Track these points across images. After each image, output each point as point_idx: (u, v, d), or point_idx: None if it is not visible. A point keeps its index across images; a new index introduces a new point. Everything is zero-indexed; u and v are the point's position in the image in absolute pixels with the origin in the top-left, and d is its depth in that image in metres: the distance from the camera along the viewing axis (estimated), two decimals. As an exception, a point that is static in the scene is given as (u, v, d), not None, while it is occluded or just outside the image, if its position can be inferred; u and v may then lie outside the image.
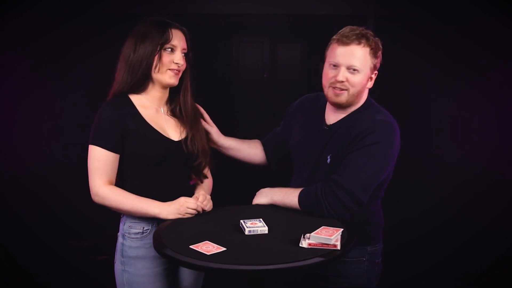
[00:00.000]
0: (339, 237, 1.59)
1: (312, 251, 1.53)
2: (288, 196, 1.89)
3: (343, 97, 1.90)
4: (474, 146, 3.88)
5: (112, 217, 2.03)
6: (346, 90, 1.88)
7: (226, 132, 2.17)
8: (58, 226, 3.86)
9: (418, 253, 3.61)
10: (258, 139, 2.27)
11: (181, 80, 1.94)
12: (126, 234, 1.89)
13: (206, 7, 4.17)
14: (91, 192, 1.84)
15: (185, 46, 1.91)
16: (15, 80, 3.89)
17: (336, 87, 1.89)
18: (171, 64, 1.87)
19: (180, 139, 1.92)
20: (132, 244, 1.88)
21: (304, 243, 1.56)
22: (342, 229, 1.64)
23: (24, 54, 3.88)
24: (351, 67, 1.86)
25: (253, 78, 7.58)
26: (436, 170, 4.02)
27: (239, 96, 7.53)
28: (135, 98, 1.90)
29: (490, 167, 3.79)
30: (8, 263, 3.50)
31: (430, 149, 4.08)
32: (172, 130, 1.93)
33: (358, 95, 1.91)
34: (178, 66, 1.88)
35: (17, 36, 3.83)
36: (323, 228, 1.65)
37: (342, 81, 1.87)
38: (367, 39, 1.87)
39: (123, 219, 1.92)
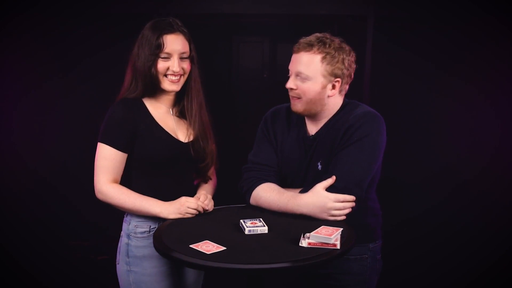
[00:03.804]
0: (339, 236, 1.59)
1: (312, 251, 1.53)
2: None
3: (299, 105, 1.87)
4: (474, 146, 3.88)
5: (113, 217, 2.03)
6: (299, 98, 1.86)
7: (225, 132, 2.16)
8: (58, 226, 3.86)
9: (418, 254, 3.61)
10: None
11: (186, 82, 1.93)
12: (132, 234, 1.89)
13: (206, 7, 4.18)
14: (95, 189, 1.85)
15: (184, 49, 1.88)
16: (15, 79, 3.90)
17: (291, 96, 1.87)
18: (166, 71, 1.86)
19: (188, 141, 1.93)
20: (138, 243, 1.88)
21: (304, 243, 1.56)
22: (341, 229, 1.64)
23: (24, 54, 3.89)
24: (299, 74, 1.83)
25: (253, 78, 7.57)
26: (436, 170, 4.02)
27: (239, 96, 7.52)
28: (146, 100, 1.91)
29: (490, 167, 3.79)
30: (9, 263, 3.49)
31: (430, 149, 4.08)
32: (181, 132, 1.94)
33: (317, 103, 1.86)
34: (175, 73, 1.87)
35: (17, 36, 3.84)
36: (323, 227, 1.65)
37: (292, 88, 1.86)
38: (321, 46, 1.81)
39: (127, 219, 1.92)
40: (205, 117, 2.00)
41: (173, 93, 1.93)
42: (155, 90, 1.90)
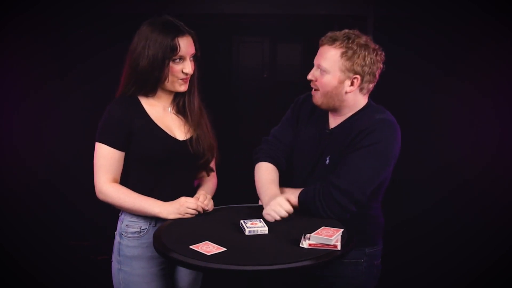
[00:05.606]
0: (339, 237, 1.59)
1: (312, 252, 1.53)
2: (289, 197, 1.88)
3: (317, 98, 1.90)
4: (474, 146, 3.88)
5: (113, 217, 2.03)
6: (318, 90, 1.89)
7: (225, 132, 2.16)
8: (58, 226, 3.86)
9: (418, 254, 3.61)
10: (258, 139, 2.23)
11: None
12: (124, 233, 1.89)
13: (206, 7, 4.18)
14: (95, 189, 1.85)
15: (193, 50, 1.88)
16: (15, 80, 3.90)
17: (312, 87, 1.91)
18: (180, 73, 1.85)
19: (185, 138, 1.92)
20: (129, 243, 1.88)
21: (304, 244, 1.56)
22: (342, 230, 1.64)
23: (24, 54, 3.88)
24: (319, 66, 1.86)
25: (253, 78, 7.58)
26: (436, 170, 4.02)
27: (239, 96, 7.53)
28: (143, 98, 1.91)
29: (490, 167, 3.79)
30: (9, 263, 3.49)
31: (431, 149, 4.08)
32: (178, 130, 1.93)
33: (334, 97, 1.87)
34: (188, 74, 1.87)
35: (17, 36, 3.83)
36: (324, 228, 1.65)
37: (311, 80, 1.89)
38: (345, 41, 1.81)
39: (121, 218, 1.93)
40: (204, 112, 2.01)
41: (173, 93, 1.93)
42: (155, 89, 1.90)
